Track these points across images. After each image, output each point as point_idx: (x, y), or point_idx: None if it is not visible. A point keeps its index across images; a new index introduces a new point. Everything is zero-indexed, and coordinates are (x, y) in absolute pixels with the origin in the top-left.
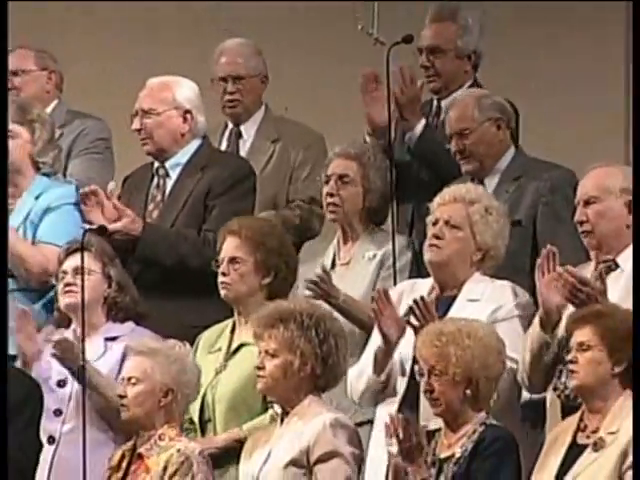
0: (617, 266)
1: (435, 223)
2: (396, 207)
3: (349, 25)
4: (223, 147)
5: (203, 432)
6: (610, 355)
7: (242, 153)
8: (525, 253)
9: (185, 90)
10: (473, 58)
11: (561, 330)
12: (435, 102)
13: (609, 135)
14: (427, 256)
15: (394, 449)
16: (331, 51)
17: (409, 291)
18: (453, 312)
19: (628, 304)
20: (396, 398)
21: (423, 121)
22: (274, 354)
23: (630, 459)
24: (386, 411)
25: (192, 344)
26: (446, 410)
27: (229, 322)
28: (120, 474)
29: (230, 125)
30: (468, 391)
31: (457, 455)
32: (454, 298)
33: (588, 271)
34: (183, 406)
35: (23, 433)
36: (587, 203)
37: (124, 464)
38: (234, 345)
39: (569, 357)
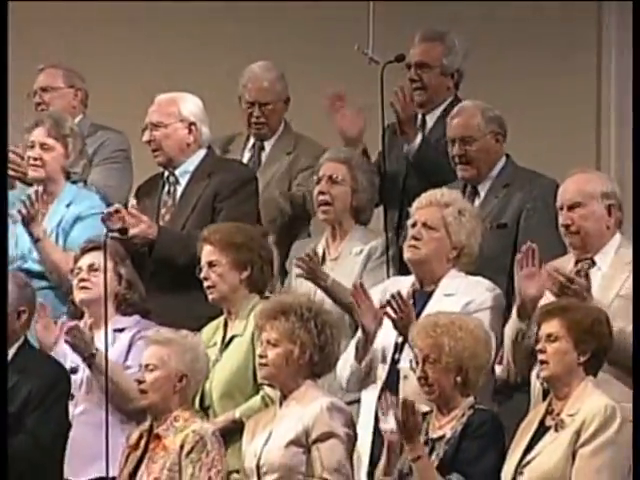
0: (594, 264)
1: (414, 225)
2: (385, 210)
3: (347, 45)
4: (245, 159)
5: (207, 415)
6: (576, 346)
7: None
8: (507, 255)
9: (189, 104)
10: (456, 76)
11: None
12: (420, 116)
13: (581, 145)
14: (406, 255)
15: (387, 426)
16: (331, 69)
17: (392, 287)
18: (431, 305)
19: (604, 300)
20: (378, 384)
21: (420, 135)
22: (275, 344)
23: (583, 437)
24: (370, 396)
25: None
26: (439, 395)
27: (221, 319)
28: (139, 452)
29: (252, 139)
30: (459, 378)
31: (448, 436)
32: (432, 292)
33: (566, 265)
34: (194, 390)
35: (52, 413)
36: (571, 207)
37: (142, 443)
38: (227, 338)
39: (538, 347)
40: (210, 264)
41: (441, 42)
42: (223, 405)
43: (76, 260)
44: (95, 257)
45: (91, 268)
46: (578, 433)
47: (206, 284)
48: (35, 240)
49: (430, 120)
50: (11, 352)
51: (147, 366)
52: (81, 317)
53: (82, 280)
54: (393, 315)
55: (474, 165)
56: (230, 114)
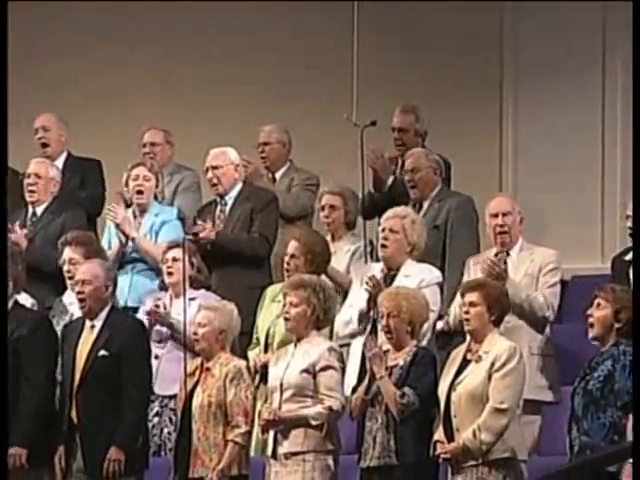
0: (509, 254)
1: (383, 230)
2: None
3: (337, 114)
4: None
5: (266, 350)
6: (488, 310)
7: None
8: (439, 246)
9: (234, 154)
10: (423, 135)
11: None
12: (400, 160)
13: (487, 173)
14: (381, 253)
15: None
16: (325, 133)
17: (369, 271)
18: (395, 283)
19: (516, 278)
20: (363, 335)
21: (392, 177)
22: (296, 305)
23: (497, 366)
24: (358, 343)
25: (252, 299)
26: (395, 339)
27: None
28: (194, 379)
29: (269, 174)
30: (409, 328)
31: (401, 364)
32: (395, 275)
33: (490, 254)
34: (231, 339)
35: (146, 354)
36: (504, 214)
37: (197, 373)
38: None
39: (464, 309)
40: (292, 255)
41: (413, 113)
42: (279, 345)
43: (164, 253)
44: (176, 252)
45: (174, 259)
46: (492, 363)
47: (286, 267)
48: (132, 239)
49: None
50: (104, 313)
51: (199, 324)
52: (167, 290)
53: (169, 267)
54: (371, 290)
55: (419, 188)
56: None
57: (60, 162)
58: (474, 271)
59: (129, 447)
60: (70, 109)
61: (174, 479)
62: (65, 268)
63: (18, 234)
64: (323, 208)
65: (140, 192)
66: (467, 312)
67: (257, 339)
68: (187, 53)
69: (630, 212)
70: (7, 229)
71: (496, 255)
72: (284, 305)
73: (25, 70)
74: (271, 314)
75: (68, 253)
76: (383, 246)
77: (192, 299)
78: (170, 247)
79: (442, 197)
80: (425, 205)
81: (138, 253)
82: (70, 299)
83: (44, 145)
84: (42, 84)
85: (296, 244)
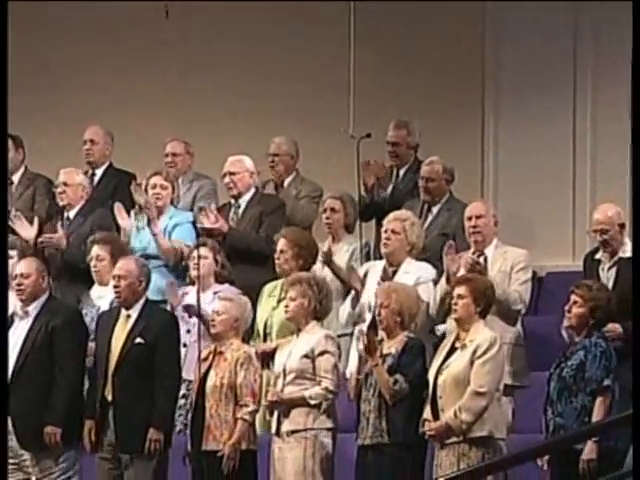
0: (483, 254)
1: (385, 232)
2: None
3: (335, 126)
4: (271, 191)
5: (265, 339)
6: (474, 302)
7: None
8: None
9: (249, 162)
10: (415, 148)
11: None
12: (395, 170)
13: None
14: (383, 250)
15: (360, 347)
16: (324, 145)
17: (372, 267)
18: (396, 279)
19: (491, 274)
20: (366, 323)
21: (391, 186)
22: (294, 299)
23: (478, 353)
24: (358, 328)
25: (256, 293)
26: (386, 328)
27: (279, 281)
28: (207, 363)
29: (274, 182)
30: (399, 318)
31: (393, 352)
32: (396, 271)
33: (468, 253)
34: (244, 328)
35: (178, 342)
36: (478, 217)
37: (210, 357)
38: (282, 294)
39: (453, 301)
40: (281, 251)
41: (406, 128)
42: (277, 335)
43: (190, 252)
44: (201, 250)
45: (199, 257)
46: (475, 351)
47: (277, 262)
48: (153, 234)
49: (401, 172)
50: (139, 305)
51: (217, 312)
52: (193, 284)
53: (195, 264)
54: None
55: (433, 195)
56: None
57: (101, 171)
58: (446, 265)
59: (166, 429)
60: (83, 122)
61: (190, 451)
62: (92, 264)
63: (59, 234)
64: (325, 211)
65: (157, 198)
66: (455, 303)
67: (257, 330)
68: (194, 67)
69: (593, 227)
70: (7, 229)
71: (473, 254)
72: (279, 301)
73: (34, 76)
74: (268, 307)
75: (96, 251)
76: (386, 245)
77: (215, 293)
78: (195, 247)
79: (451, 206)
80: (435, 210)
81: (153, 250)
82: (97, 293)
83: (88, 156)
84: (55, 93)
85: (284, 240)
